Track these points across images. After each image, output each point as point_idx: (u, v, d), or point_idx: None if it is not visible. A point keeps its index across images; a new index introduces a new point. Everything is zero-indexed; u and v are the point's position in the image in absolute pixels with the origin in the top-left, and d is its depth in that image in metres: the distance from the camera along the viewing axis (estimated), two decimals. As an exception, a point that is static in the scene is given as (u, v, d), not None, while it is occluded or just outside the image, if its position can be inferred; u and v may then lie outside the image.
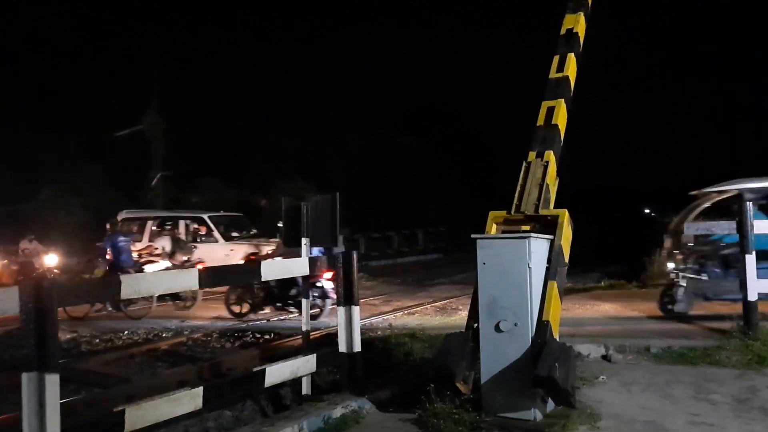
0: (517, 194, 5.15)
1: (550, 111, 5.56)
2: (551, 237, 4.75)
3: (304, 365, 4.78)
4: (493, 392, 4.53)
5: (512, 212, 5.07)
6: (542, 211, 4.96)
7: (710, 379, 5.43)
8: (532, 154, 5.36)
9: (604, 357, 6.37)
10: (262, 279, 4.91)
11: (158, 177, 27.12)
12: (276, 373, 4.54)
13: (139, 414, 3.59)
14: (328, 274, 9.24)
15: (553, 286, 4.61)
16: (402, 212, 28.82)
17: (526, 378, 4.41)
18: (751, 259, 6.72)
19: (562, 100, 5.60)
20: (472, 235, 4.80)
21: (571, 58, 5.82)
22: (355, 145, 33.40)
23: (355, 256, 5.08)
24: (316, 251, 6.88)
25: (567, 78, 5.72)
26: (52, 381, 3.17)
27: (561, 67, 5.80)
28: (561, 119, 5.53)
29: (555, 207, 5.13)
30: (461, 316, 9.50)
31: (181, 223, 15.56)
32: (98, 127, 26.97)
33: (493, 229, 5.13)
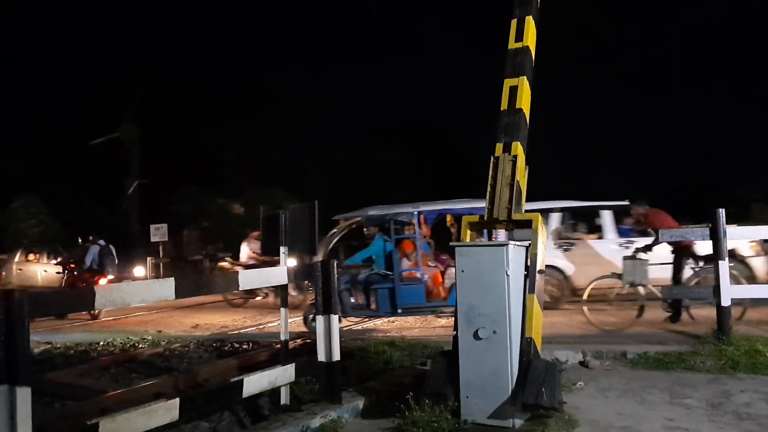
0: (488, 197, 5.06)
1: (513, 91, 5.28)
2: (528, 244, 4.79)
3: (282, 375, 4.74)
4: (472, 399, 4.54)
5: (485, 217, 5.04)
6: (515, 216, 4.94)
7: (685, 384, 5.51)
8: (499, 147, 5.17)
9: (582, 363, 6.42)
10: (240, 288, 4.87)
11: (135, 185, 26.81)
12: (254, 383, 4.50)
13: (113, 427, 3.53)
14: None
15: (533, 300, 4.63)
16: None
17: (504, 385, 4.44)
18: (724, 265, 6.83)
19: (525, 77, 5.30)
20: (451, 243, 4.83)
21: (530, 22, 5.44)
22: (335, 154, 33.39)
23: (334, 265, 5.06)
24: None
25: (527, 49, 5.38)
26: (24, 394, 3.10)
27: (520, 36, 5.43)
28: (525, 101, 5.27)
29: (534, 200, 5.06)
30: (441, 324, 9.52)
31: (606, 215, 11.47)
32: (72, 135, 26.63)
33: (468, 235, 5.14)
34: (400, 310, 9.23)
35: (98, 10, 30.66)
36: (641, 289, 8.31)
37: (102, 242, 13.51)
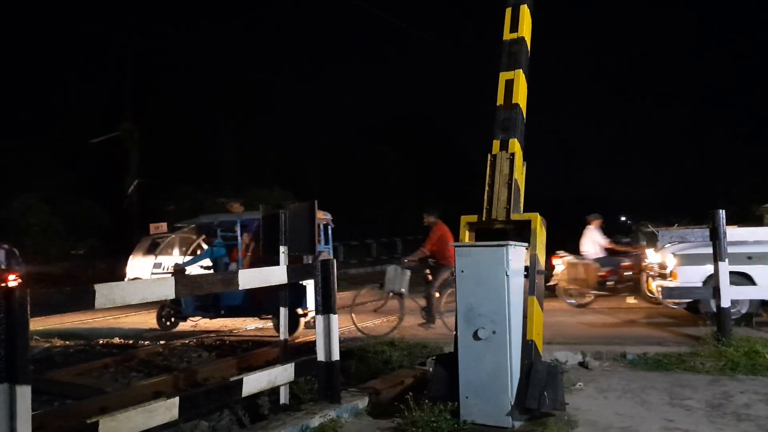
0: (486, 196, 5.00)
1: (509, 85, 5.16)
2: (527, 244, 4.77)
3: (281, 374, 4.73)
4: (471, 400, 4.53)
5: (484, 217, 4.99)
6: (514, 216, 4.91)
7: (685, 385, 5.51)
8: (496, 144, 5.08)
9: (581, 364, 6.42)
10: (240, 288, 4.86)
11: (135, 184, 26.78)
12: (253, 382, 4.49)
13: (113, 425, 3.53)
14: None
15: (533, 302, 4.62)
16: (380, 220, 28.83)
17: (504, 386, 4.44)
18: (724, 267, 6.83)
19: (520, 70, 5.18)
20: (450, 243, 4.81)
21: (524, 11, 5.30)
22: (332, 153, 33.41)
23: (334, 263, 5.06)
24: None
25: (522, 40, 5.25)
26: (23, 393, 3.09)
27: (514, 26, 5.28)
28: (521, 96, 5.16)
29: (531, 208, 5.03)
30: (440, 324, 9.51)
31: None
32: (71, 134, 26.59)
33: (466, 235, 5.11)
34: (222, 311, 9.94)
35: (98, 9, 30.65)
36: (403, 296, 9.01)
37: (6, 246, 15.19)
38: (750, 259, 8.26)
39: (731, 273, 7.52)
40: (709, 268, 7.66)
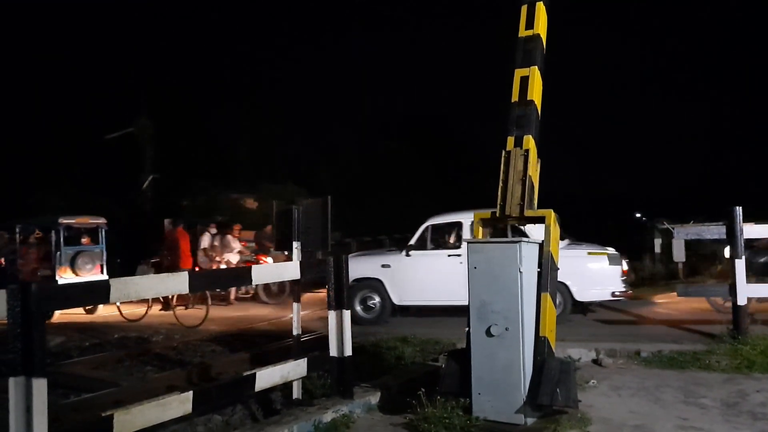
0: (500, 192, 4.99)
1: (524, 82, 5.16)
2: (541, 241, 4.74)
3: (294, 369, 4.75)
4: (484, 396, 4.53)
5: (497, 213, 4.98)
6: (528, 213, 4.88)
7: (700, 383, 5.46)
8: (510, 141, 5.08)
9: (595, 361, 6.39)
10: (253, 283, 4.88)
11: (149, 180, 26.95)
12: (266, 377, 4.52)
13: (127, 419, 3.56)
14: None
15: (546, 298, 4.60)
16: (393, 216, 28.78)
17: (516, 382, 4.42)
18: (740, 264, 6.76)
19: (536, 67, 5.18)
20: (463, 239, 4.80)
21: (540, 8, 5.29)
22: (345, 150, 33.44)
23: (346, 260, 5.06)
24: None
25: (538, 36, 5.25)
26: (40, 385, 3.13)
27: (530, 23, 5.28)
28: (536, 92, 5.16)
29: (545, 205, 5.01)
30: (453, 320, 9.50)
31: None
32: (87, 130, 26.84)
33: (479, 231, 5.10)
34: None
35: (113, 7, 30.89)
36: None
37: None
38: (384, 267, 9.71)
39: (367, 279, 9.65)
40: (357, 272, 9.33)
